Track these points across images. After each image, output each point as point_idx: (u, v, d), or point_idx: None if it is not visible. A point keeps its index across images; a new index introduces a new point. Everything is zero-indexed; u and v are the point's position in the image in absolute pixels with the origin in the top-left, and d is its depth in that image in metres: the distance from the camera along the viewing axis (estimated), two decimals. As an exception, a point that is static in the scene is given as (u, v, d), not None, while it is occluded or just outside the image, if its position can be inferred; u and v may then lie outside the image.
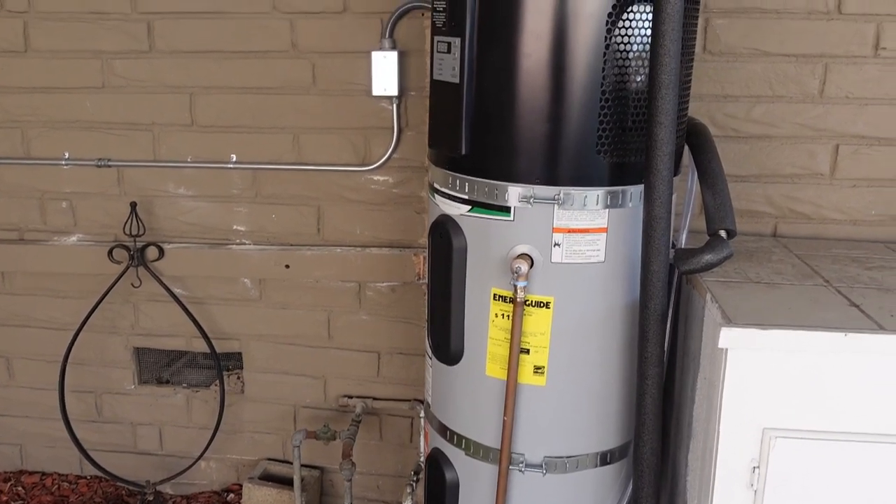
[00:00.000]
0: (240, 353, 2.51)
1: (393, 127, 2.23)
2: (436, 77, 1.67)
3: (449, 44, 1.61)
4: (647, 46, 1.49)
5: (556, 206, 1.57)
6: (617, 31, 1.48)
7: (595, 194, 1.57)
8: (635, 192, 1.59)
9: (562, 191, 1.56)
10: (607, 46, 1.49)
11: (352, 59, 2.22)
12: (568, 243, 1.59)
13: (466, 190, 1.64)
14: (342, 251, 2.36)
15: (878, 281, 1.69)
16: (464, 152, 1.62)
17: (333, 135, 2.29)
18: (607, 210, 1.59)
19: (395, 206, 2.32)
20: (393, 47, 2.16)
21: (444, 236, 1.70)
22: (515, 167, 1.58)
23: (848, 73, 2.02)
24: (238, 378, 2.55)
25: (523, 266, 1.57)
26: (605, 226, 1.59)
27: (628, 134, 1.56)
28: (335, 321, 2.43)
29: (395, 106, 2.21)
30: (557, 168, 1.56)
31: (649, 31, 1.48)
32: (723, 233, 1.58)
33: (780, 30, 2.01)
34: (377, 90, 2.18)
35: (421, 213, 2.30)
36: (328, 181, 2.33)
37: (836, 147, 2.07)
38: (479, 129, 1.59)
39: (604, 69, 1.49)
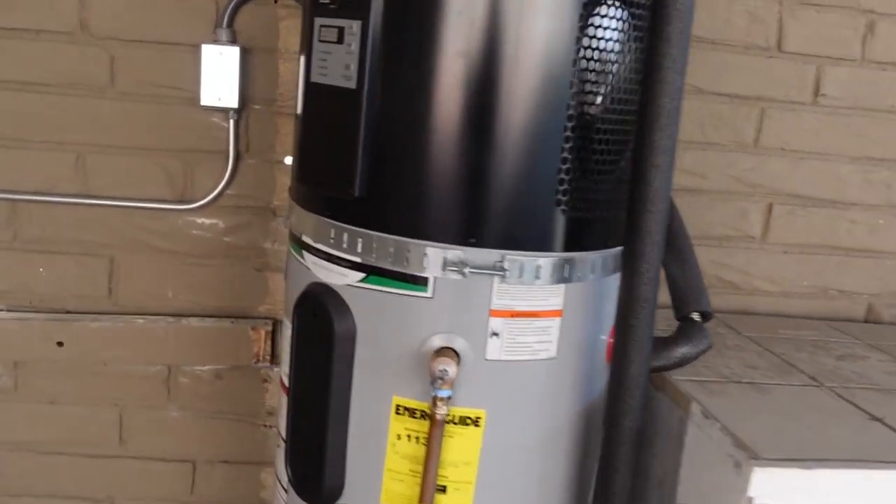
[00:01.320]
0: (-20, 470, 1.72)
1: (228, 151, 1.62)
2: (317, 79, 1.13)
3: (341, 29, 1.08)
4: (620, 56, 1.06)
5: (496, 279, 1.07)
6: (593, 29, 1.04)
7: (550, 262, 1.09)
8: (597, 260, 1.14)
9: (506, 256, 1.06)
10: (578, 50, 1.03)
11: (171, 52, 1.60)
12: (510, 332, 1.10)
13: (359, 249, 1.10)
14: (146, 322, 1.67)
15: (866, 377, 1.38)
16: (357, 194, 1.08)
17: (139, 157, 1.64)
18: (563, 285, 1.11)
19: (227, 260, 1.69)
20: (232, 41, 1.57)
21: (318, 316, 1.14)
22: (437, 219, 1.07)
23: (785, 119, 1.74)
24: (-25, 506, 1.76)
25: (450, 368, 1.05)
26: (561, 307, 1.12)
27: (591, 179, 1.11)
28: (130, 420, 1.73)
29: (232, 122, 1.61)
30: (500, 223, 1.07)
31: (624, 36, 1.05)
32: (696, 315, 1.20)
33: (716, 63, 1.70)
34: (208, 99, 1.57)
35: (263, 271, 1.69)
36: (127, 223, 1.65)
37: (770, 206, 1.78)
38: (384, 161, 1.07)
39: (572, 83, 1.04)
